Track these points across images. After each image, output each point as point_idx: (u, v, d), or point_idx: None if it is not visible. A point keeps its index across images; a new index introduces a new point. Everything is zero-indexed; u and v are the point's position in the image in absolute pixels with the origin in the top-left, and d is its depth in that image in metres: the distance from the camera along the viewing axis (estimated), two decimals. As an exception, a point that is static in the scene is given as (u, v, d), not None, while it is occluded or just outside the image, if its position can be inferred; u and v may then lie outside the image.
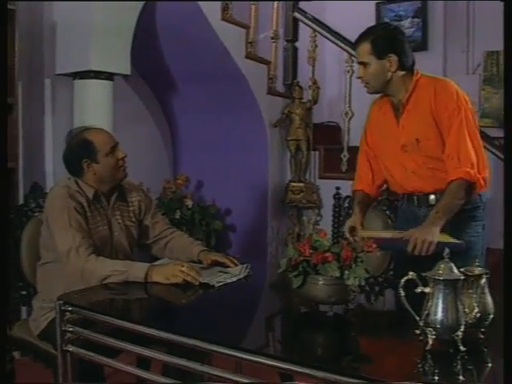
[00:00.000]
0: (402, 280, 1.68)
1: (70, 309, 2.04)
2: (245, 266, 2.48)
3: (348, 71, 4.50)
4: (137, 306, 2.30)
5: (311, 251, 1.87)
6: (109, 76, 3.86)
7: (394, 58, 2.47)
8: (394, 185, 2.72)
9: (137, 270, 2.31)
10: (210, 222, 4.67)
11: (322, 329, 1.90)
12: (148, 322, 1.97)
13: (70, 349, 2.06)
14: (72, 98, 3.89)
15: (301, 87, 4.81)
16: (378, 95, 2.68)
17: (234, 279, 2.34)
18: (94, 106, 3.81)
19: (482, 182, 2.42)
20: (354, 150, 4.67)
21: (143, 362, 2.31)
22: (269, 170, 4.82)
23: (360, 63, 2.53)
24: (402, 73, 2.51)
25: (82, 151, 2.51)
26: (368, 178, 2.76)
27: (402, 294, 1.67)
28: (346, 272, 1.83)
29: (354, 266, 1.85)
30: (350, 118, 4.53)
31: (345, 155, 4.53)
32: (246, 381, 1.67)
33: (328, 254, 1.84)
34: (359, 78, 2.57)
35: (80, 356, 2.06)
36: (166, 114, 5.17)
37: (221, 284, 2.26)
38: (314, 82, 4.82)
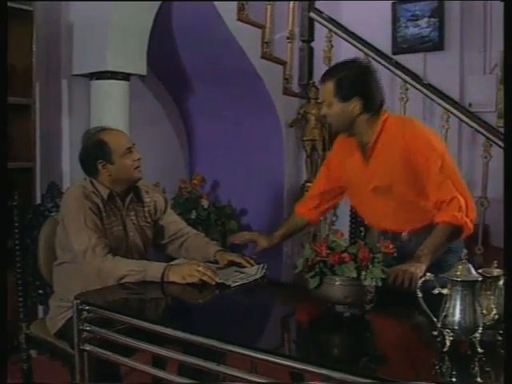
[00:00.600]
0: (420, 281, 1.67)
1: (87, 308, 2.06)
2: (261, 266, 2.47)
3: (364, 71, 4.48)
4: (153, 305, 2.31)
5: (328, 252, 1.86)
6: (125, 76, 3.88)
7: (358, 101, 2.32)
8: (367, 220, 2.68)
9: (153, 269, 2.31)
10: (226, 222, 4.68)
11: (339, 330, 1.89)
12: (164, 321, 1.97)
13: (87, 348, 2.07)
14: (89, 98, 3.91)
15: (316, 87, 4.79)
16: None
17: (251, 279, 2.34)
18: (111, 107, 3.83)
19: (470, 224, 2.31)
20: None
21: (159, 362, 2.31)
22: (284, 170, 4.81)
23: (324, 101, 2.41)
24: (368, 115, 2.36)
25: (97, 152, 2.52)
26: (314, 202, 2.69)
27: (420, 295, 1.67)
28: (363, 272, 1.82)
29: (370, 266, 1.83)
30: (366, 119, 4.51)
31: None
32: (263, 381, 1.67)
33: (345, 255, 1.83)
34: (323, 115, 2.46)
35: (97, 355, 2.07)
36: (181, 114, 5.18)
37: (237, 284, 2.26)
38: (330, 83, 4.80)
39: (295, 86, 5.08)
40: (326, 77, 2.40)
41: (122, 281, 2.30)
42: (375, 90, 2.38)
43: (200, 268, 2.28)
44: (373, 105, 2.36)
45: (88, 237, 2.37)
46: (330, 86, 2.34)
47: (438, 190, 2.31)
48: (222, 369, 1.76)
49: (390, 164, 2.36)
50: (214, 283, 2.24)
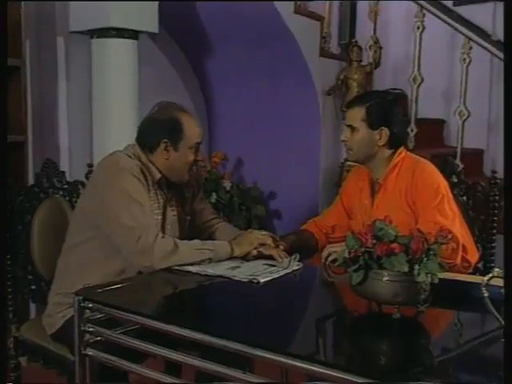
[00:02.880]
0: (486, 278, 1.66)
1: (90, 305, 2.07)
2: (293, 257, 2.49)
3: (418, 27, 4.44)
4: (167, 303, 2.31)
5: (374, 241, 1.86)
6: (133, 34, 3.87)
7: (385, 131, 2.60)
8: None
9: (222, 246, 2.49)
10: (252, 206, 4.70)
11: (387, 334, 1.89)
12: (181, 321, 1.97)
13: (90, 352, 2.09)
14: (89, 60, 3.92)
15: (360, 47, 4.77)
16: None
17: (282, 273, 2.35)
18: (116, 70, 3.84)
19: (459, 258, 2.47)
20: (423, 123, 4.64)
21: (173, 369, 2.33)
22: (321, 147, 4.81)
23: (348, 126, 2.65)
24: (389, 152, 2.65)
25: (167, 129, 2.56)
26: (326, 225, 2.89)
27: (486, 294, 1.65)
28: (416, 267, 1.82)
29: (425, 259, 1.83)
30: (419, 85, 4.47)
31: (412, 129, 4.48)
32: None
33: (395, 245, 1.82)
34: (343, 141, 2.68)
35: (101, 361, 2.09)
36: (200, 80, 5.19)
37: (266, 280, 2.26)
38: (376, 42, 4.78)
39: (334, 47, 5.06)
40: (355, 102, 2.70)
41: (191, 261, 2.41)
42: (403, 124, 2.67)
43: (260, 236, 2.56)
44: (397, 139, 2.65)
45: (143, 212, 2.43)
46: (360, 110, 2.61)
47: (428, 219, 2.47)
48: (248, 377, 1.77)
49: (393, 203, 2.60)
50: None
